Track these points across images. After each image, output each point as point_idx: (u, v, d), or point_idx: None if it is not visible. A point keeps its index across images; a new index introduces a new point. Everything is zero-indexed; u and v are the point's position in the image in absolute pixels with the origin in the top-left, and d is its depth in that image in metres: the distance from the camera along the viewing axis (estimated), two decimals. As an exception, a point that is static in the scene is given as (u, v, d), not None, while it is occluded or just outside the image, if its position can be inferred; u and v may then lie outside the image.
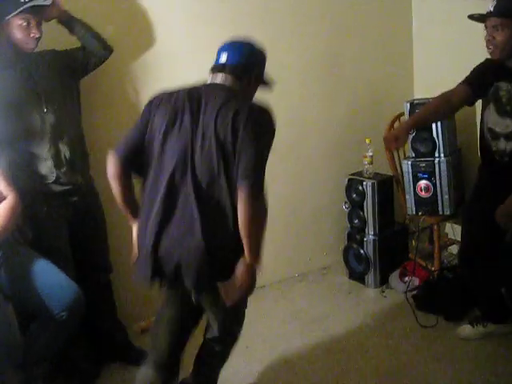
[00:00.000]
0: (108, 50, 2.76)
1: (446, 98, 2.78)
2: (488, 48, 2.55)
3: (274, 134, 2.01)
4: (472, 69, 2.77)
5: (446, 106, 2.80)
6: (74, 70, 2.68)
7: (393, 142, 2.73)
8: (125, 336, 3.10)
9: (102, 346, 2.97)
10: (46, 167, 2.48)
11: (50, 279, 2.29)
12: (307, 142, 3.87)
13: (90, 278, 2.74)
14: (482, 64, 2.75)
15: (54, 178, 2.50)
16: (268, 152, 2.01)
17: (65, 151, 2.53)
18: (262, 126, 1.97)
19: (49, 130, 2.48)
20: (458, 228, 3.99)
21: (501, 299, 2.91)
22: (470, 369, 2.79)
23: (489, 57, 2.64)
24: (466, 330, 3.06)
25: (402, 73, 4.22)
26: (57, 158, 2.51)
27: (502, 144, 2.60)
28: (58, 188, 2.51)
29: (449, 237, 4.08)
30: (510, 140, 2.57)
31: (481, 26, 2.59)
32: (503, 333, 3.00)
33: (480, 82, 2.68)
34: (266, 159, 2.00)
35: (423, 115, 2.92)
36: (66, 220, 2.60)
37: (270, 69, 3.49)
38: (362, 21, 3.99)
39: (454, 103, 2.76)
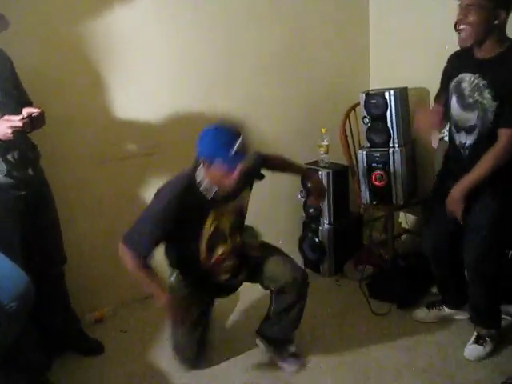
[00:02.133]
0: None
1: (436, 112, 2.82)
2: (458, 30, 2.45)
3: None
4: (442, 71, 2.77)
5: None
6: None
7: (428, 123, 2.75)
8: (79, 326, 3.06)
9: (54, 337, 2.92)
10: None
11: (-1, 269, 2.22)
12: (263, 130, 3.85)
13: (43, 270, 2.69)
14: (444, 69, 2.74)
15: (5, 173, 2.42)
16: None
17: (13, 153, 2.45)
18: None
19: None
20: (410, 217, 4.07)
21: (460, 285, 2.97)
22: (422, 354, 2.85)
23: (448, 53, 2.67)
24: (421, 312, 3.15)
25: (358, 63, 4.24)
26: (5, 152, 2.43)
27: (463, 137, 2.60)
28: (7, 181, 2.43)
29: (402, 226, 4.15)
30: (470, 134, 2.55)
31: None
32: (457, 318, 3.08)
33: (445, 93, 2.69)
34: None
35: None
36: (16, 212, 2.52)
37: (228, 61, 3.55)
38: (319, 11, 3.98)
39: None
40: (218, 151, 2.29)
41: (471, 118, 2.52)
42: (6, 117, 2.25)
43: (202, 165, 2.37)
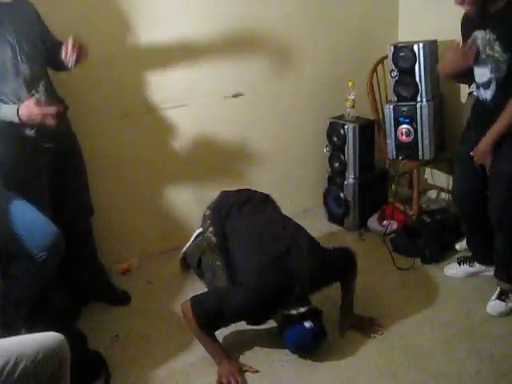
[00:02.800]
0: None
1: None
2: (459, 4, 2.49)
3: None
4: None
5: None
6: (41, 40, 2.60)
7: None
8: (106, 278, 3.13)
9: (83, 289, 3.00)
10: None
11: (28, 220, 2.27)
12: (290, 84, 3.82)
13: (71, 221, 2.74)
14: (461, 32, 2.73)
15: (34, 128, 2.44)
16: None
17: (40, 97, 2.46)
18: None
19: (23, 79, 2.41)
20: (437, 173, 4.03)
21: (489, 240, 2.96)
22: (444, 309, 2.87)
23: None
24: (452, 268, 3.18)
25: (386, 15, 4.14)
26: None
27: (483, 93, 2.62)
28: (34, 134, 2.45)
29: (428, 182, 4.12)
30: (487, 89, 2.57)
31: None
32: (487, 275, 3.07)
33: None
34: None
35: None
36: (44, 165, 2.56)
37: (254, 12, 3.50)
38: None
39: None
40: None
41: (485, 72, 2.54)
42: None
43: None
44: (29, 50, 2.45)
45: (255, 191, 3.00)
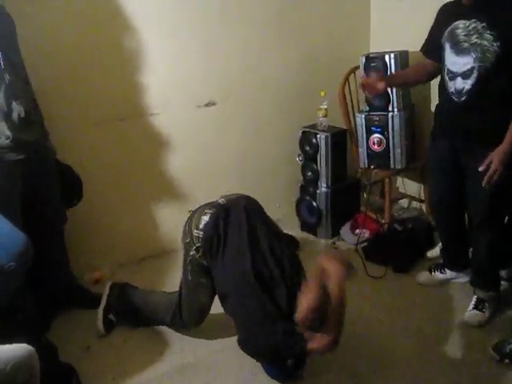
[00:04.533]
0: None
1: (421, 65, 2.90)
2: None
3: None
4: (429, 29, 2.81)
5: (425, 72, 2.89)
6: None
7: (373, 85, 2.76)
8: (78, 283, 3.13)
9: (55, 296, 2.98)
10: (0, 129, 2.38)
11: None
12: (262, 94, 3.83)
13: (43, 229, 2.72)
14: (435, 20, 2.75)
15: (10, 138, 2.40)
16: None
17: (19, 111, 2.43)
18: None
19: (3, 89, 2.38)
20: (408, 182, 4.08)
21: (464, 246, 3.03)
22: (416, 317, 2.89)
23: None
24: (423, 275, 3.20)
25: (358, 26, 4.17)
26: (10, 117, 2.40)
27: (459, 83, 2.58)
28: (8, 144, 2.41)
29: (399, 190, 4.15)
30: (467, 78, 2.54)
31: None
32: (459, 281, 3.13)
33: (435, 45, 2.69)
34: None
35: (404, 72, 3.02)
36: (16, 175, 2.52)
37: (228, 20, 3.50)
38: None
39: (430, 71, 2.84)
40: None
41: (468, 61, 2.51)
42: None
43: None
44: (11, 57, 2.43)
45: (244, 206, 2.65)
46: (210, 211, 2.49)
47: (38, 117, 2.67)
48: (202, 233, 2.46)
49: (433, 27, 2.78)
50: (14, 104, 2.41)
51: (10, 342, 1.75)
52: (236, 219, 2.47)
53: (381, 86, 2.75)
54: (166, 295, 2.80)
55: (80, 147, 3.20)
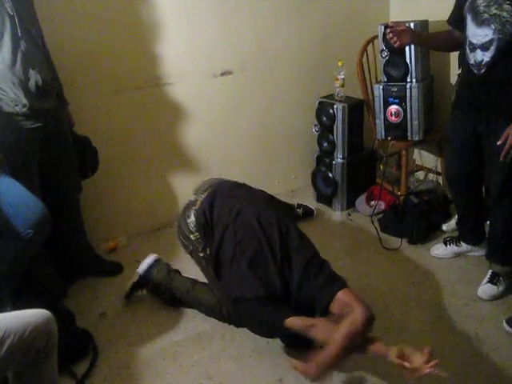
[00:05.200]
0: None
1: (451, 33, 2.80)
2: None
3: None
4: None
5: (453, 40, 2.79)
6: None
7: (400, 33, 2.69)
8: (94, 252, 3.16)
9: (71, 264, 3.02)
10: (15, 94, 2.39)
11: (15, 198, 2.25)
12: (278, 64, 3.80)
13: (59, 199, 2.76)
14: None
15: (27, 106, 2.42)
16: None
17: (37, 79, 2.44)
18: None
19: (20, 56, 2.38)
20: (425, 154, 4.05)
21: (480, 220, 3.01)
22: (430, 289, 2.89)
23: None
24: (438, 248, 3.19)
25: (377, -6, 4.11)
26: (27, 85, 2.41)
27: (479, 55, 2.53)
28: (24, 112, 2.43)
29: (416, 163, 4.12)
30: (486, 50, 2.50)
31: None
32: (474, 255, 3.12)
33: (461, 16, 2.61)
34: None
35: (432, 34, 2.90)
36: (33, 143, 2.54)
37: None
38: None
39: (458, 41, 2.72)
40: None
41: (487, 33, 2.46)
42: None
43: None
44: (27, 26, 2.43)
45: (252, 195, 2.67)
46: (192, 211, 2.54)
47: (56, 86, 2.68)
48: (197, 233, 2.50)
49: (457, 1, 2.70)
50: (31, 72, 2.42)
51: (29, 308, 1.78)
52: (219, 203, 2.51)
53: (408, 38, 2.69)
54: (209, 295, 2.70)
55: (97, 116, 3.21)
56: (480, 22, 2.48)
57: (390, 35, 2.72)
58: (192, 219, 2.53)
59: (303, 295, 2.26)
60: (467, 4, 2.54)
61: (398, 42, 2.72)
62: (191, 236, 2.52)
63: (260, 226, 2.38)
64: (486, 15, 2.44)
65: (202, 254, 2.50)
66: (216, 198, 2.54)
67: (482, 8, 2.45)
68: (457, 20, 2.70)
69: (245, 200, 2.55)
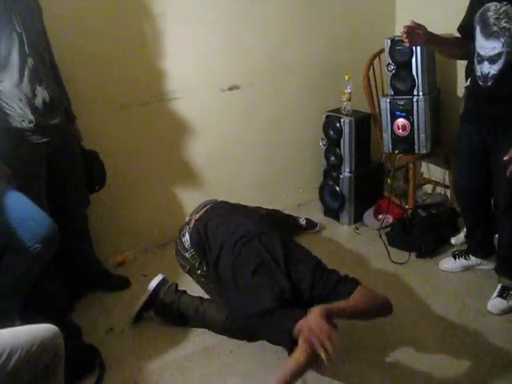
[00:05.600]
0: None
1: (463, 40, 2.75)
2: None
3: None
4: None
5: (463, 48, 2.73)
6: None
7: (414, 33, 2.59)
8: (102, 267, 3.16)
9: (79, 279, 3.02)
10: (22, 110, 2.40)
11: (23, 212, 2.25)
12: (285, 78, 3.81)
13: (67, 213, 2.77)
14: (469, 3, 2.66)
15: (33, 123, 2.43)
16: None
17: (44, 96, 2.46)
18: None
19: (27, 73, 2.40)
20: (433, 167, 4.04)
21: (489, 233, 3.00)
22: (439, 303, 2.87)
23: None
24: (447, 262, 3.17)
25: (383, 8, 4.12)
26: (33, 102, 2.43)
27: (486, 68, 2.52)
28: (31, 128, 2.44)
29: (424, 176, 4.11)
30: (494, 63, 2.49)
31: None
32: (482, 268, 3.09)
33: (471, 26, 2.60)
34: None
35: (445, 38, 2.81)
36: (40, 158, 2.55)
37: (252, 4, 3.48)
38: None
39: (468, 49, 2.68)
40: None
41: (496, 46, 2.45)
42: None
43: None
44: (35, 42, 2.45)
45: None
46: (186, 230, 2.59)
47: (64, 101, 2.70)
48: (192, 250, 2.53)
49: (469, 7, 2.67)
50: (39, 89, 2.44)
51: (36, 323, 1.77)
52: (214, 221, 2.52)
53: (420, 40, 2.62)
54: (217, 312, 2.66)
55: (104, 131, 3.21)
56: (489, 34, 2.46)
57: (404, 35, 2.60)
58: (186, 237, 2.58)
59: (317, 293, 2.23)
60: (477, 15, 2.52)
61: (408, 42, 2.62)
62: (186, 254, 2.56)
63: (259, 241, 2.38)
64: (495, 28, 2.42)
65: (199, 272, 2.53)
66: (211, 215, 2.56)
67: (491, 20, 2.44)
68: (466, 29, 2.67)
69: (241, 217, 2.56)
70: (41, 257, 2.27)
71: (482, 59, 2.54)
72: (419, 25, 2.59)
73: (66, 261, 2.79)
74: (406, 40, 2.58)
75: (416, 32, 2.58)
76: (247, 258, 2.33)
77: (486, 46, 2.50)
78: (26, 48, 2.39)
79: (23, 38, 2.37)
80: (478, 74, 2.57)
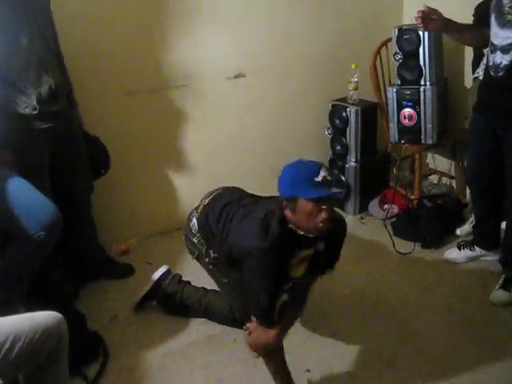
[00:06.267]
0: None
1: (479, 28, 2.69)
2: None
3: None
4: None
5: (480, 36, 2.66)
6: None
7: (428, 18, 2.53)
8: (106, 254, 3.18)
9: (83, 266, 3.02)
10: (27, 96, 2.40)
11: (27, 199, 2.25)
12: (293, 66, 3.78)
13: (71, 199, 2.77)
14: None
15: (37, 110, 2.43)
16: None
17: (50, 84, 2.46)
18: None
19: (35, 59, 2.40)
20: (439, 158, 4.02)
21: (497, 224, 2.98)
22: (444, 294, 2.87)
23: None
24: (452, 252, 3.17)
25: (391, -3, 4.08)
26: (39, 89, 2.43)
27: (498, 57, 2.47)
28: (33, 114, 2.44)
29: (430, 167, 4.10)
30: (506, 53, 2.43)
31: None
32: (488, 259, 3.09)
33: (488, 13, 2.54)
34: None
35: (461, 25, 2.70)
36: (43, 144, 2.55)
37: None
38: None
39: (485, 37, 2.60)
40: (299, 188, 2.00)
41: (509, 35, 2.40)
42: None
43: (285, 207, 2.07)
44: (43, 30, 2.45)
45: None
46: (194, 215, 2.54)
47: (67, 87, 2.69)
48: (199, 235, 2.49)
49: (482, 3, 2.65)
50: (45, 76, 2.44)
51: (40, 310, 1.77)
52: (220, 204, 2.44)
53: (435, 26, 2.56)
54: (220, 302, 2.67)
55: (109, 118, 3.21)
56: (503, 23, 2.41)
57: (419, 20, 2.53)
58: (194, 222, 2.52)
59: None
60: (493, 2, 2.46)
61: (423, 27, 2.56)
62: (194, 239, 2.52)
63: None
64: (509, 17, 2.37)
65: (207, 260, 2.49)
66: (218, 201, 2.50)
67: (507, 9, 2.38)
68: (482, 17, 2.62)
69: (250, 202, 2.46)
70: (44, 244, 2.27)
71: (495, 48, 2.49)
72: (434, 10, 2.52)
73: (69, 248, 2.79)
74: (421, 25, 2.51)
75: (431, 17, 2.52)
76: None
77: (500, 35, 2.44)
78: (35, 33, 2.38)
79: (32, 23, 2.37)
80: (490, 63, 2.53)
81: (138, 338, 2.64)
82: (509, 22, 2.39)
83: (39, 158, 2.54)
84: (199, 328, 2.67)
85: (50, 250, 2.35)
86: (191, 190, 3.58)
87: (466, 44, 3.11)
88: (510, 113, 2.53)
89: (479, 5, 2.66)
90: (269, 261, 2.04)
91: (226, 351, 2.53)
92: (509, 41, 2.41)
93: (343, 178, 3.75)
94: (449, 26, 2.61)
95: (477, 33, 2.70)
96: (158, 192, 3.54)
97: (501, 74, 2.49)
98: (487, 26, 2.54)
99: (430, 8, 2.52)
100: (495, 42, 2.49)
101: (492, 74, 2.53)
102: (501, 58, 2.47)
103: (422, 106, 3.48)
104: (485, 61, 2.74)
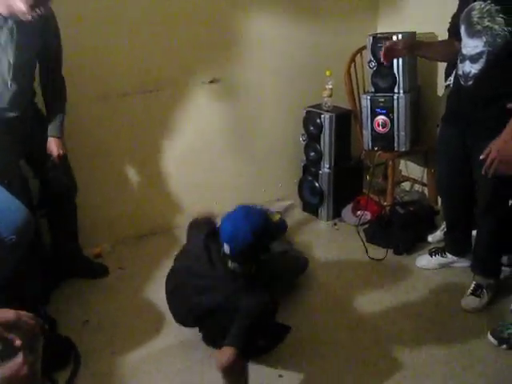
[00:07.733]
0: None
1: (450, 42, 2.73)
2: None
3: None
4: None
5: (452, 50, 2.70)
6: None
7: (392, 50, 2.65)
8: (83, 254, 3.19)
9: (61, 264, 3.05)
10: None
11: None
12: (267, 72, 3.79)
13: (56, 199, 2.80)
14: (458, 2, 2.65)
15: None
16: None
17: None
18: None
19: (8, 95, 2.48)
20: (411, 165, 4.06)
21: (468, 230, 3.01)
22: (416, 300, 2.89)
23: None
24: (423, 259, 3.20)
25: (366, 5, 4.11)
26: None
27: (467, 66, 2.51)
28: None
29: (402, 174, 4.14)
30: (475, 62, 2.47)
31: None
32: (458, 266, 3.12)
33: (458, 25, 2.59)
34: None
35: (430, 44, 2.82)
36: (15, 132, 2.54)
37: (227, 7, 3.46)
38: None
39: (457, 50, 2.64)
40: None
41: (478, 44, 2.43)
42: None
43: None
44: (22, 67, 2.48)
45: None
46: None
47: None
48: None
49: (458, 6, 2.65)
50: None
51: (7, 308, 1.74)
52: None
53: (401, 52, 2.67)
54: None
55: (81, 123, 3.17)
56: (472, 33, 2.45)
57: (383, 57, 2.68)
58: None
59: None
60: (463, 14, 2.50)
61: (386, 61, 2.70)
62: None
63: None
64: (478, 27, 2.41)
65: None
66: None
67: (475, 19, 2.42)
68: (455, 29, 2.65)
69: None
70: (16, 247, 2.24)
71: (464, 58, 2.53)
72: (395, 42, 2.67)
73: (53, 246, 2.85)
74: (385, 61, 2.68)
75: (393, 49, 2.66)
76: None
77: (469, 44, 2.48)
78: (12, 73, 2.43)
79: (11, 65, 2.42)
80: (460, 72, 2.57)
81: (110, 344, 2.60)
82: (478, 32, 2.42)
83: (8, 156, 2.52)
84: (172, 333, 2.65)
85: (23, 252, 2.31)
86: (164, 195, 3.58)
87: (443, 60, 3.16)
88: (478, 122, 2.56)
89: (452, 17, 2.70)
90: None
91: (199, 357, 2.50)
92: (477, 50, 2.44)
93: (317, 184, 3.76)
94: (414, 48, 2.78)
95: (449, 48, 2.74)
96: (131, 196, 3.51)
97: (470, 83, 2.52)
98: (460, 37, 2.58)
99: (389, 43, 2.67)
100: (464, 52, 2.53)
101: (462, 83, 2.57)
102: (470, 67, 2.50)
103: (395, 114, 3.52)
104: None
